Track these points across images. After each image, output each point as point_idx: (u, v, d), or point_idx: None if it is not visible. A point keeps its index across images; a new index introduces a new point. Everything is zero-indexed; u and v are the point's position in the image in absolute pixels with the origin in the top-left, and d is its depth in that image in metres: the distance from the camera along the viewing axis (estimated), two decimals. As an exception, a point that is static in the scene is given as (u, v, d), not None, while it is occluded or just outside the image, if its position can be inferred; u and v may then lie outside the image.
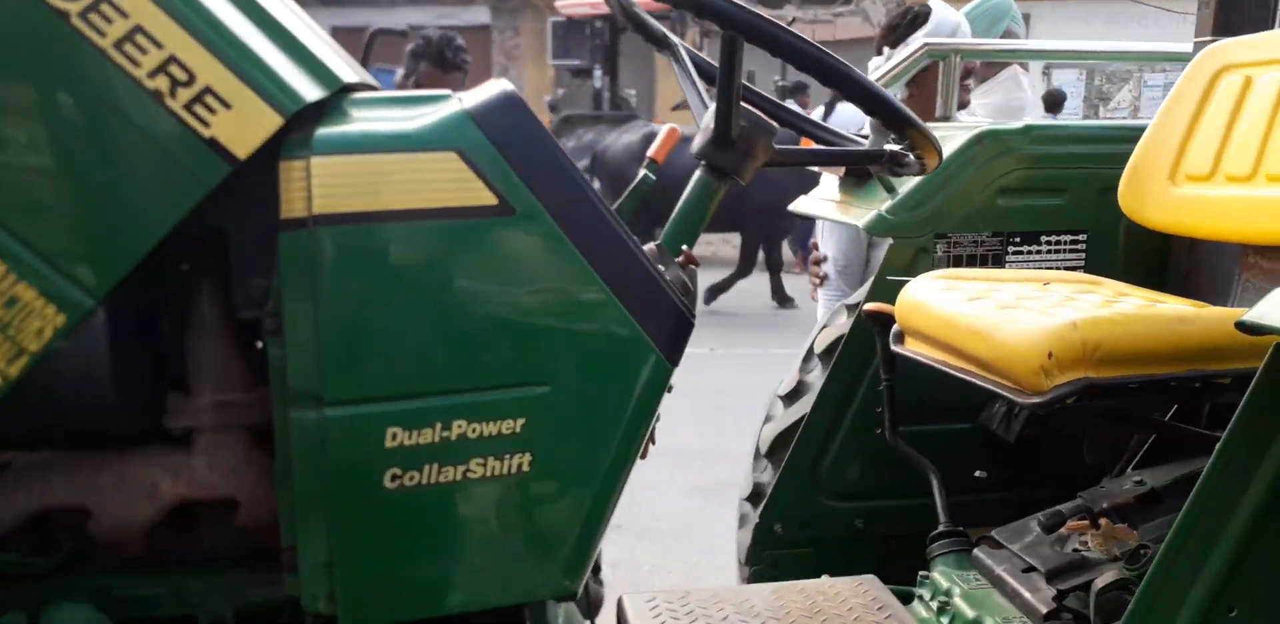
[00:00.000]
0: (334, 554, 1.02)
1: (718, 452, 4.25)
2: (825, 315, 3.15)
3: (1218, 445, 0.94)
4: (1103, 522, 1.38)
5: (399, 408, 1.01)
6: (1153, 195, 1.62)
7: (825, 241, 3.12)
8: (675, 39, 1.42)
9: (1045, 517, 1.44)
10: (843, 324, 2.11)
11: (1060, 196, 1.90)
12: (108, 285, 0.96)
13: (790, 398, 2.12)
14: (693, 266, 1.29)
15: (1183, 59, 2.35)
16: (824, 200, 2.19)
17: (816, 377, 2.08)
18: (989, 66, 2.94)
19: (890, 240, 1.93)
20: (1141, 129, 1.81)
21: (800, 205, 2.28)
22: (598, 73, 12.14)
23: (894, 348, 1.63)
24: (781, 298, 8.27)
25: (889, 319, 1.72)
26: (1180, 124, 1.60)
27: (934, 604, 1.56)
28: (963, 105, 2.77)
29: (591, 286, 1.05)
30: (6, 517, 1.05)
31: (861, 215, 1.91)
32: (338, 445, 1.00)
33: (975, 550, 1.61)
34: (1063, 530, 1.45)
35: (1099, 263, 1.91)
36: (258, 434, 1.09)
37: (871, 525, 2.00)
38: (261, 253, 1.03)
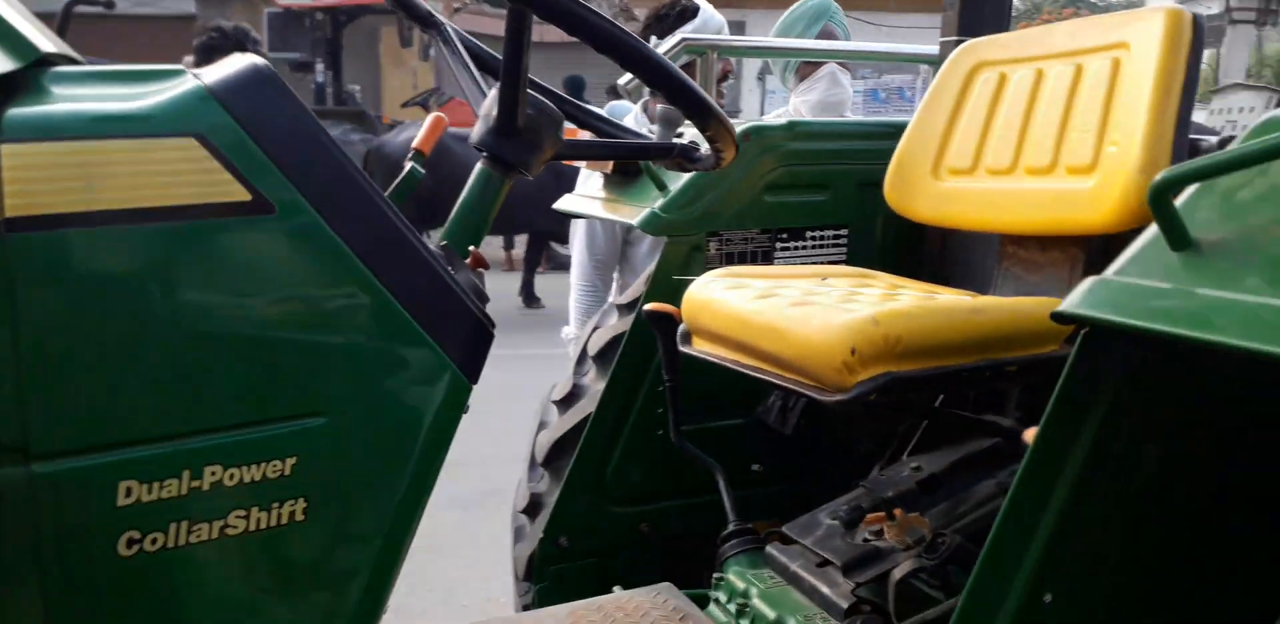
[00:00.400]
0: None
1: (474, 459, 4.08)
2: (580, 311, 3.10)
3: (1035, 436, 0.94)
4: (897, 512, 1.39)
5: (132, 456, 0.82)
6: (918, 189, 1.66)
7: (576, 237, 3.05)
8: (442, 18, 1.28)
9: (845, 512, 1.43)
10: (615, 324, 2.04)
11: (822, 193, 1.92)
12: None
13: (565, 403, 2.03)
14: (481, 269, 1.16)
15: (926, 60, 2.48)
16: (589, 198, 2.12)
17: (592, 379, 2.00)
18: (809, 65, 3.01)
19: (649, 237, 1.88)
20: (898, 126, 1.87)
21: (566, 203, 2.19)
22: (319, 67, 11.53)
23: (681, 348, 1.57)
24: (529, 297, 8.17)
25: (671, 319, 1.67)
26: (940, 120, 1.65)
27: (732, 607, 1.52)
28: None
29: (374, 296, 0.90)
30: None
31: (632, 213, 1.85)
32: (54, 507, 0.80)
33: (768, 548, 1.58)
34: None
35: (860, 256, 1.95)
36: None
37: (657, 529, 1.94)
38: None
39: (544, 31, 1.19)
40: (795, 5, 2.98)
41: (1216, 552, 1.04)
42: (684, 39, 2.34)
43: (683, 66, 2.43)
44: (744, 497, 1.76)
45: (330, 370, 0.90)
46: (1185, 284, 0.81)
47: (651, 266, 1.94)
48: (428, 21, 1.29)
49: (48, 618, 0.81)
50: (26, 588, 0.80)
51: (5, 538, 0.79)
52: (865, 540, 1.46)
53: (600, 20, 1.07)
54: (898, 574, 1.35)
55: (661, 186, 1.83)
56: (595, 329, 2.15)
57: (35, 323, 0.78)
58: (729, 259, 1.89)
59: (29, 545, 0.80)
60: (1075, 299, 0.87)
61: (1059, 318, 0.87)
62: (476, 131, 1.16)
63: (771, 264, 1.92)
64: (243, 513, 0.86)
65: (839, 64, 3.02)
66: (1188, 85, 1.30)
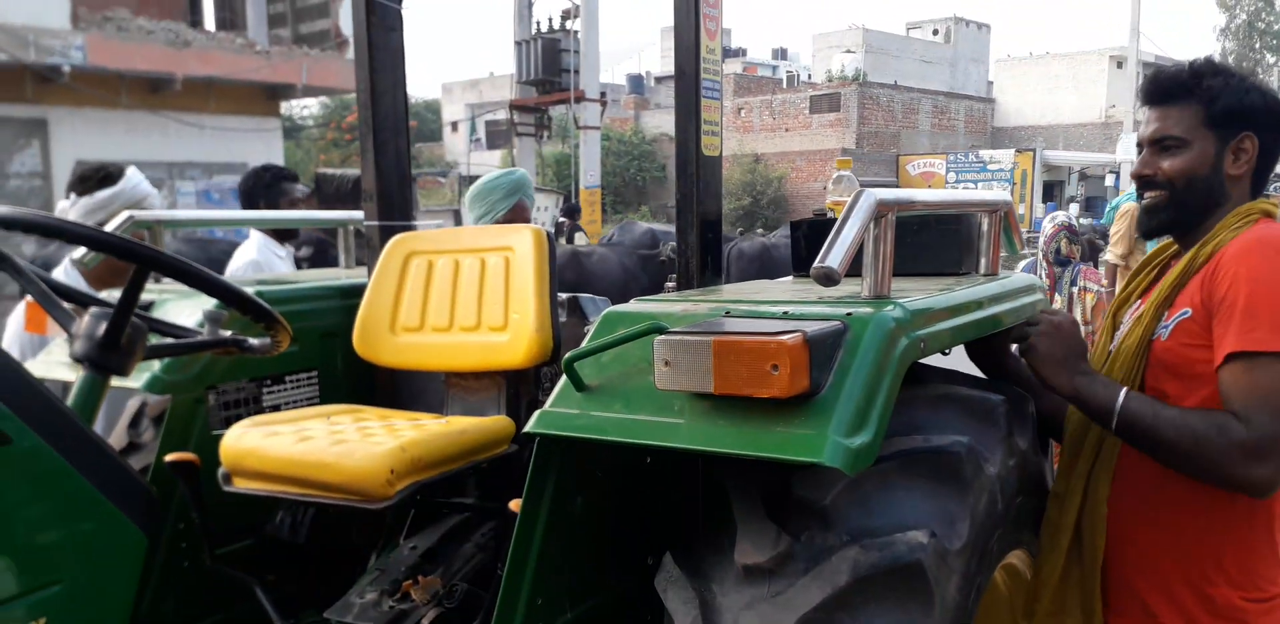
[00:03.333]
0: None
1: None
2: None
3: (520, 505, 1.59)
4: (420, 579, 1.95)
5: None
6: (381, 343, 2.26)
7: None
8: (18, 259, 1.57)
9: (379, 587, 1.95)
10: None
11: (295, 345, 2.42)
12: None
13: None
14: None
15: (338, 223, 3.09)
16: (60, 363, 2.33)
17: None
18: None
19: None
20: (343, 288, 2.47)
21: (38, 368, 2.36)
22: None
23: (225, 488, 1.95)
24: None
25: (193, 465, 2.03)
26: (390, 292, 2.28)
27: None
28: None
29: (85, 493, 1.24)
30: None
31: (132, 376, 2.16)
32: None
33: (319, 626, 2.02)
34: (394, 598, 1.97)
35: (329, 391, 2.49)
36: None
37: None
38: None
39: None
40: (495, 175, 3.26)
41: (623, 549, 1.79)
42: (131, 216, 2.65)
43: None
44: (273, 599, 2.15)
45: (60, 549, 1.22)
46: (586, 409, 1.55)
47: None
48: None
49: None
50: None
51: None
52: (392, 607, 2.00)
53: (197, 269, 1.53)
54: (427, 620, 1.91)
55: None
56: None
57: None
58: (226, 407, 2.28)
59: None
60: (533, 423, 1.55)
61: (528, 435, 1.55)
62: (79, 348, 1.51)
63: (261, 406, 2.35)
64: None
65: None
66: (552, 275, 2.12)
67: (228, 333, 1.77)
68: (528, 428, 1.55)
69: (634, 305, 1.71)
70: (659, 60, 49.59)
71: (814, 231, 2.21)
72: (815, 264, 1.44)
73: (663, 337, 1.40)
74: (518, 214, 3.26)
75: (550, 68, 17.97)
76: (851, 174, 2.24)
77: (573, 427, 1.53)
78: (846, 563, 1.48)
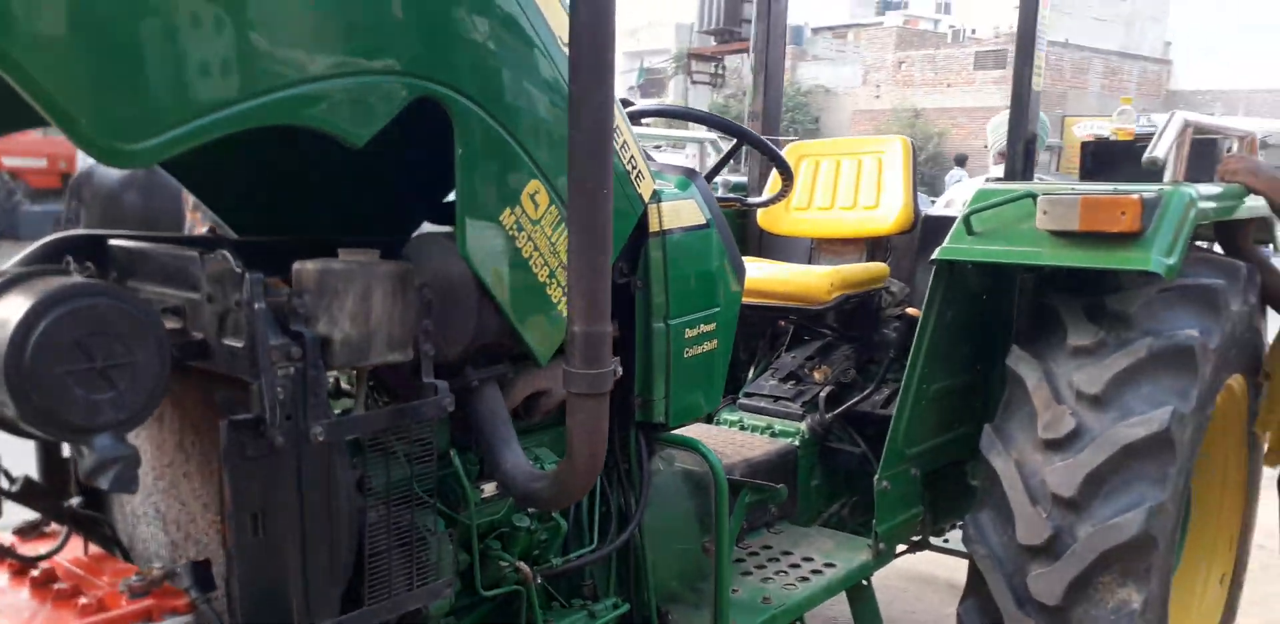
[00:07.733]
0: (669, 391, 2.08)
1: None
2: None
3: (923, 310, 2.55)
4: (820, 367, 2.97)
5: (692, 318, 2.12)
6: (779, 219, 3.26)
7: None
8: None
9: (790, 374, 2.97)
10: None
11: None
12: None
13: None
14: None
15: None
16: None
17: None
18: None
19: None
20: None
21: None
22: None
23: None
24: None
25: None
26: (785, 182, 3.26)
27: (734, 430, 2.96)
28: None
29: (731, 266, 2.26)
30: (519, 396, 1.87)
31: None
32: (674, 339, 2.07)
33: (739, 401, 3.05)
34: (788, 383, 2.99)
35: None
36: None
37: None
38: (629, 250, 2.02)
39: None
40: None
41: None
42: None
43: None
44: None
45: (721, 281, 2.24)
46: (973, 245, 2.49)
47: None
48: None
49: (667, 383, 2.07)
50: (661, 371, 2.06)
51: (658, 351, 2.05)
52: (795, 384, 3.01)
53: (755, 135, 2.52)
54: (824, 394, 2.92)
55: None
56: None
57: (672, 270, 2.04)
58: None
59: (663, 354, 2.06)
60: (939, 253, 2.50)
61: (934, 262, 2.51)
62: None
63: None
64: (708, 343, 2.18)
65: None
66: (915, 169, 3.06)
67: (730, 194, 2.78)
68: (935, 256, 2.50)
69: (996, 186, 2.64)
70: (818, 10, 49.07)
71: (1101, 150, 3.09)
72: (1146, 156, 2.33)
73: (1045, 195, 2.32)
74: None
75: (732, 17, 18.65)
76: (1132, 108, 2.94)
77: (970, 254, 2.47)
78: (1143, 345, 2.39)
